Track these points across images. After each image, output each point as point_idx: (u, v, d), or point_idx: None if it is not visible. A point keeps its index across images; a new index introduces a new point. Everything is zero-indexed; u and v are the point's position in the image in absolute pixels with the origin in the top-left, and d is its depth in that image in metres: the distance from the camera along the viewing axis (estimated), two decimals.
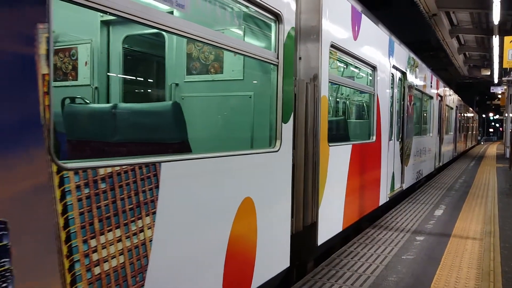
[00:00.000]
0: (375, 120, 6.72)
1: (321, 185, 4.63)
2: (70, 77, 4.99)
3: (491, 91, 32.83)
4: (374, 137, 6.70)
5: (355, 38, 5.62)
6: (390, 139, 7.64)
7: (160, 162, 2.39)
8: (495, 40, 17.78)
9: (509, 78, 21.90)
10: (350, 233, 6.08)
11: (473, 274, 4.50)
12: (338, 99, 8.24)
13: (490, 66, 25.51)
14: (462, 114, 24.42)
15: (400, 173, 8.60)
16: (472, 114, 34.57)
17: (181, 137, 3.13)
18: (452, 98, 18.47)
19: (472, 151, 30.75)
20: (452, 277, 4.40)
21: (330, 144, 4.84)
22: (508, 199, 9.40)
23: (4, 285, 1.62)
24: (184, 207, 2.63)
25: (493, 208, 8.23)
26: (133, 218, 2.23)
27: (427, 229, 6.45)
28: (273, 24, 3.75)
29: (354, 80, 6.93)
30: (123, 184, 2.16)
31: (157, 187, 2.37)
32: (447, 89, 16.70)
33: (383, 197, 7.38)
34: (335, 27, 4.92)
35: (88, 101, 4.45)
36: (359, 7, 5.79)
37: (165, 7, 2.77)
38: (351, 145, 5.69)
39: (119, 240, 2.15)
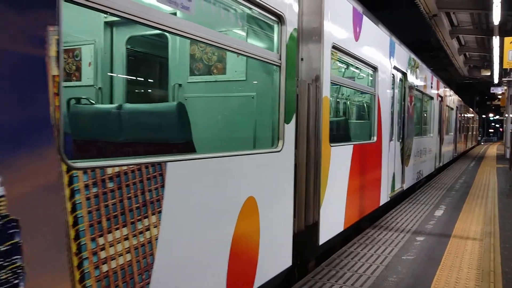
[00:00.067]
0: (376, 121, 6.76)
1: (322, 185, 4.67)
2: (74, 78, 5.03)
3: (491, 91, 32.85)
4: (375, 138, 6.74)
5: (357, 39, 5.66)
6: (390, 140, 7.68)
7: (165, 162, 2.43)
8: (495, 40, 17.82)
9: (509, 79, 21.91)
10: (351, 232, 6.11)
11: (473, 274, 4.52)
12: (339, 100, 8.29)
13: (490, 66, 25.54)
14: (462, 115, 24.46)
15: (400, 173, 8.64)
16: (472, 115, 34.61)
17: (186, 137, 3.17)
18: (452, 98, 18.51)
19: (472, 152, 30.77)
20: (452, 277, 4.42)
21: (331, 145, 4.88)
22: (508, 199, 9.43)
23: (16, 281, 1.66)
24: (189, 206, 2.66)
25: (493, 208, 8.26)
26: (139, 217, 2.27)
27: (427, 229, 6.48)
28: (275, 26, 3.78)
29: (355, 81, 6.97)
30: (130, 183, 2.20)
31: (162, 186, 2.41)
32: (447, 89, 16.73)
33: (384, 197, 7.42)
34: (337, 29, 4.96)
35: (93, 102, 4.49)
36: (360, 8, 5.83)
37: (168, 9, 2.81)
38: (352, 146, 5.73)
39: (126, 239, 2.19)
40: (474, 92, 55.39)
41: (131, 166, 2.21)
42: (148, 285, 2.33)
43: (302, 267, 4.79)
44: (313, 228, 4.58)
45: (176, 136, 3.19)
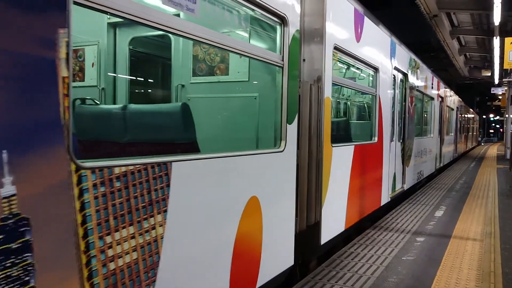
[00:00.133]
0: (377, 121, 6.80)
1: (324, 185, 4.70)
2: (77, 78, 5.07)
3: (492, 92, 32.87)
4: (376, 138, 6.78)
5: (358, 40, 5.69)
6: (391, 140, 7.71)
7: (171, 162, 2.47)
8: (496, 41, 17.83)
9: (509, 79, 21.95)
10: (352, 233, 6.14)
11: (474, 275, 4.53)
12: (341, 100, 8.32)
13: (490, 67, 25.56)
14: (463, 115, 24.49)
15: (401, 174, 8.68)
16: (472, 115, 34.64)
17: (190, 137, 3.20)
18: (452, 99, 18.54)
19: (472, 152, 30.80)
20: (453, 278, 4.44)
21: (333, 145, 4.91)
22: (509, 200, 9.46)
23: (27, 278, 1.69)
24: (194, 206, 2.70)
25: (494, 209, 8.28)
26: (145, 216, 2.30)
27: (427, 230, 6.50)
28: (278, 27, 3.82)
29: (356, 81, 7.00)
30: (136, 182, 2.23)
31: (168, 185, 2.45)
32: (447, 90, 16.76)
33: (385, 197, 7.45)
34: (338, 30, 4.99)
35: (98, 102, 4.52)
36: (361, 9, 5.86)
37: (172, 10, 2.84)
38: (353, 146, 5.76)
39: (133, 237, 2.22)
40: (475, 92, 55.40)
41: (137, 166, 2.25)
42: (154, 283, 2.37)
43: (304, 266, 4.82)
44: (315, 227, 4.61)
45: (180, 136, 3.23)
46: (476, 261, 5.01)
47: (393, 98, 7.89)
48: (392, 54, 7.62)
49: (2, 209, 1.60)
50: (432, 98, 12.78)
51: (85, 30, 4.90)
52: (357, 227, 6.17)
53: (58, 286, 1.84)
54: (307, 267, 4.84)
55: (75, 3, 1.88)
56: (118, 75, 5.14)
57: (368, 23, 6.11)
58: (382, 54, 6.93)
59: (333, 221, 5.12)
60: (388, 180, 7.57)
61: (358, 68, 6.71)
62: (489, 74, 26.87)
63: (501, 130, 71.72)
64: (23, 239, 1.67)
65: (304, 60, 4.53)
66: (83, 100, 4.09)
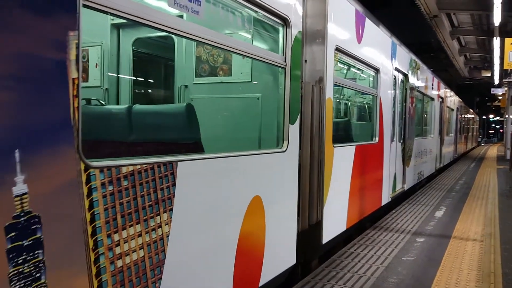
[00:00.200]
0: (378, 122, 6.84)
1: (326, 185, 4.74)
2: (81, 79, 5.09)
3: (492, 92, 32.89)
4: (377, 138, 6.82)
5: (359, 41, 5.73)
6: (392, 140, 7.75)
7: (177, 161, 2.51)
8: (496, 41, 17.89)
9: (509, 80, 21.95)
10: (353, 232, 6.18)
11: (474, 275, 4.55)
12: (342, 101, 8.36)
13: (490, 67, 25.60)
14: (463, 116, 24.53)
15: (401, 174, 8.72)
16: (472, 116, 34.68)
17: (195, 137, 3.24)
18: (452, 99, 18.58)
19: (472, 153, 30.83)
20: (453, 278, 4.46)
21: (334, 145, 4.95)
22: (509, 200, 9.48)
23: (38, 275, 1.73)
24: (198, 205, 2.74)
25: (494, 209, 8.31)
26: (152, 215, 2.34)
27: (427, 230, 6.52)
28: (280, 28, 3.86)
29: (357, 82, 7.04)
30: (143, 182, 2.27)
31: (173, 185, 2.49)
32: (448, 90, 16.81)
33: (385, 197, 7.49)
34: (340, 31, 5.03)
35: (103, 103, 4.56)
36: (362, 10, 5.90)
37: (175, 11, 2.88)
38: (354, 146, 5.80)
39: (139, 235, 2.26)
40: (475, 93, 55.47)
41: (144, 165, 2.29)
42: (160, 280, 2.41)
43: (306, 265, 4.85)
44: (317, 227, 4.65)
45: (185, 136, 3.27)
46: (476, 261, 5.03)
47: (394, 98, 7.93)
48: (393, 55, 7.66)
49: (15, 207, 1.64)
50: (432, 99, 12.82)
51: (89, 31, 4.94)
52: (357, 227, 6.21)
53: (68, 283, 1.88)
54: (308, 266, 4.88)
55: (84, 6, 1.92)
56: (122, 76, 5.18)
57: (369, 24, 6.15)
58: (383, 55, 6.97)
59: (335, 221, 5.16)
60: (388, 180, 7.61)
61: (359, 69, 6.75)
62: (489, 74, 26.92)
63: (501, 130, 71.79)
64: (34, 237, 1.71)
65: (306, 61, 4.57)
66: (88, 101, 4.13)
